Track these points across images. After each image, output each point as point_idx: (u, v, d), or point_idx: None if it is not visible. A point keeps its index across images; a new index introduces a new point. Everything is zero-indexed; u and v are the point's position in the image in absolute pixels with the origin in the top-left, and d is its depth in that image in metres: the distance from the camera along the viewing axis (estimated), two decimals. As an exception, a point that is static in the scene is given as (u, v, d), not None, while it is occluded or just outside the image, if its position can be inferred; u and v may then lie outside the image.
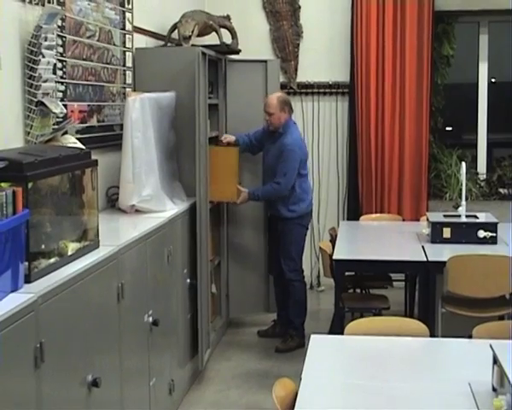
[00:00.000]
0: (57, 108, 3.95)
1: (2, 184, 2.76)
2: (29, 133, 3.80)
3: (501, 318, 5.08)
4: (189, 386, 5.29)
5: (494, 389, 2.72)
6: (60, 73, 4.26)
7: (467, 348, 3.38)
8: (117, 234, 4.34)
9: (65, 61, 4.33)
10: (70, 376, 3.07)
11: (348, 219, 7.56)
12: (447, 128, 8.40)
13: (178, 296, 4.98)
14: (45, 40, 3.84)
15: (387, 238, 5.91)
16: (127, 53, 5.38)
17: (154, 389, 4.29)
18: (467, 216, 5.62)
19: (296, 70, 7.87)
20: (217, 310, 6.41)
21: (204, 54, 5.47)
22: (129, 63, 5.42)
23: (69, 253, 3.28)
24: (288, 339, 6.07)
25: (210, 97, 5.95)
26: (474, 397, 2.74)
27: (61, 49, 4.26)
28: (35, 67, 3.79)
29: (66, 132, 4.10)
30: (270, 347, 6.06)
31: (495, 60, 8.06)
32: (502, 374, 2.62)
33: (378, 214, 7.20)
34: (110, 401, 3.56)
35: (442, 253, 5.16)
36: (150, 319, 4.20)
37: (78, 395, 3.15)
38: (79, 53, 4.55)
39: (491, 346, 2.75)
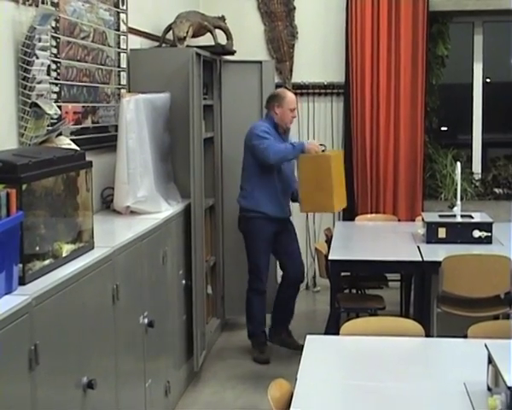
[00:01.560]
0: (51, 109, 3.94)
1: (-4, 186, 2.75)
2: (23, 135, 3.79)
3: (496, 317, 5.09)
4: (184, 387, 5.29)
5: (489, 389, 2.73)
6: (54, 74, 4.25)
7: (462, 348, 3.38)
8: (112, 235, 4.33)
9: (59, 62, 4.32)
10: (65, 378, 3.06)
11: (343, 220, 7.54)
12: (442, 128, 8.41)
13: (174, 298, 4.97)
14: (39, 41, 3.83)
15: (383, 238, 5.91)
16: (122, 54, 5.37)
17: (149, 391, 4.28)
18: (462, 216, 5.63)
19: (291, 71, 7.87)
20: (212, 311, 6.41)
21: (198, 55, 5.47)
22: (123, 64, 5.41)
23: (64, 254, 3.28)
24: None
25: (205, 98, 5.95)
26: (469, 397, 2.74)
27: (55, 51, 4.26)
28: (29, 68, 3.79)
29: (60, 134, 4.09)
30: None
31: (489, 60, 8.07)
32: (497, 374, 2.62)
33: (373, 215, 7.20)
34: (105, 403, 3.55)
35: (437, 253, 5.17)
36: (145, 320, 4.19)
37: (74, 397, 3.14)
38: (73, 54, 4.55)
39: (486, 345, 2.76)
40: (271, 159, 5.56)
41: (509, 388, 2.45)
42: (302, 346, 3.35)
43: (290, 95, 5.82)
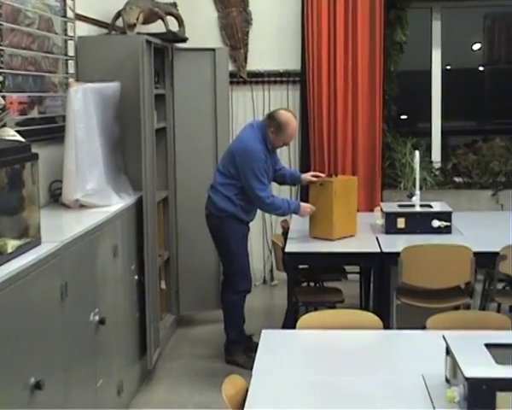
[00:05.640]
0: (-5, 99, 3.90)
1: None
2: (-35, 126, 3.75)
3: (456, 308, 5.14)
4: (138, 386, 5.27)
5: (447, 381, 2.76)
6: (-3, 62, 4.21)
7: (420, 340, 3.42)
8: (60, 230, 4.30)
9: (2, 50, 4.27)
10: (12, 378, 3.03)
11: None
12: (401, 116, 8.48)
13: (126, 294, 4.96)
14: (-19, 29, 3.79)
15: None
16: (69, 41, 5.32)
17: (101, 391, 4.26)
18: (421, 206, 5.69)
19: (246, 58, 7.87)
20: (166, 307, 6.40)
21: (149, 42, 5.45)
22: (71, 52, 5.37)
23: (9, 250, 3.24)
24: None
25: (156, 87, 5.92)
26: (427, 389, 2.78)
27: (-3, 38, 4.21)
28: (-30, 56, 3.74)
29: (4, 125, 4.05)
30: (222, 344, 6.03)
31: (449, 46, 8.14)
32: (454, 365, 2.66)
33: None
34: (54, 404, 3.51)
35: (396, 244, 5.22)
36: (96, 317, 4.17)
37: (21, 398, 3.11)
38: (18, 41, 4.49)
39: (443, 337, 2.79)
40: (266, 211, 5.76)
41: (466, 379, 2.48)
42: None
43: (292, 129, 5.55)
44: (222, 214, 5.61)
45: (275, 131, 5.50)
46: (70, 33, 5.35)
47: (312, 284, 6.32)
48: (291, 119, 5.55)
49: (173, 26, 6.29)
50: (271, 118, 5.55)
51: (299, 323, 3.59)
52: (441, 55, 8.10)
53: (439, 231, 5.45)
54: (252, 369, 5.42)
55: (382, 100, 7.62)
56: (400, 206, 5.76)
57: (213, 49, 6.51)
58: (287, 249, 5.23)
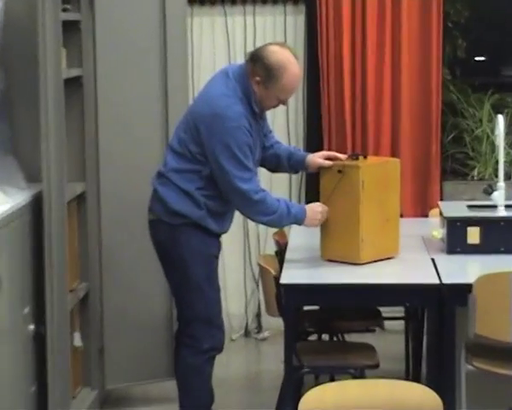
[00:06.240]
0: None
1: None
2: None
3: None
4: None
5: None
6: None
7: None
8: None
9: None
10: None
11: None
12: (475, 58, 8.50)
13: (15, 355, 4.95)
14: None
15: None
16: None
17: None
18: (507, 207, 5.70)
19: (215, -39, 7.92)
20: (84, 377, 6.39)
21: None
22: None
23: None
24: None
25: (65, 10, 5.92)
26: None
27: None
28: None
29: None
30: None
31: None
32: None
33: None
34: None
35: (466, 270, 5.27)
36: (-35, 394, 4.19)
37: None
38: None
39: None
40: (251, 215, 5.70)
41: None
42: None
43: (291, 77, 5.51)
44: (177, 221, 5.61)
45: (262, 81, 5.49)
46: None
47: (326, 338, 6.34)
48: (289, 59, 5.52)
49: None
50: (257, 59, 5.53)
51: (303, 401, 3.60)
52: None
53: (536, 249, 5.50)
54: None
55: (443, 31, 7.64)
56: (472, 207, 5.77)
57: None
58: (283, 280, 5.24)
